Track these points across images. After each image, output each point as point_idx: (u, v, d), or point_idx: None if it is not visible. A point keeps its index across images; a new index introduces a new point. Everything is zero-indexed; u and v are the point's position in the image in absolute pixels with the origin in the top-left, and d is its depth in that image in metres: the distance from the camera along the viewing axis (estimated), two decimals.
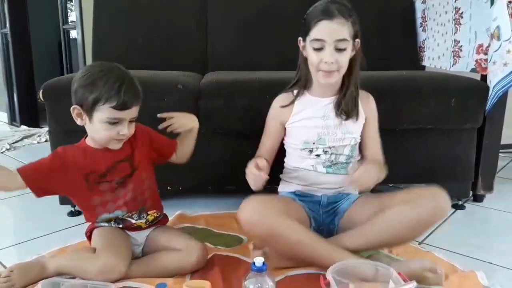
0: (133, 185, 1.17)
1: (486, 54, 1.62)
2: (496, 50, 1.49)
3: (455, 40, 1.84)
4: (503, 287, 1.11)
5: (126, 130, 1.09)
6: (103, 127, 1.08)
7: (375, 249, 1.25)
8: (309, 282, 1.11)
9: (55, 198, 1.59)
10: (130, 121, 1.11)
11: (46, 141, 3.09)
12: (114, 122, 1.07)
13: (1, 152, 2.75)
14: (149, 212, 1.21)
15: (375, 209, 1.20)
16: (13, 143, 3.02)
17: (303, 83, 1.31)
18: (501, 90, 1.50)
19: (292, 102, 1.31)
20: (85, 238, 1.25)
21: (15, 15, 3.73)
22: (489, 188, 1.73)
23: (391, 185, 1.75)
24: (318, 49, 1.20)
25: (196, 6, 2.13)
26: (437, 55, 1.99)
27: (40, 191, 1.13)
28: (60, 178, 1.12)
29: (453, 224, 1.56)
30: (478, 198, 1.77)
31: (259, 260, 0.89)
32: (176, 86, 1.52)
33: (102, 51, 2.09)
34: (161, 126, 1.24)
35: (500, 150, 1.74)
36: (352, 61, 1.25)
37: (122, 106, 1.06)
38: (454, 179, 1.71)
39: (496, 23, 1.48)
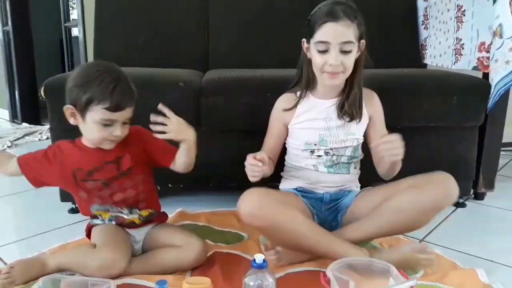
0: (122, 187, 1.16)
1: (488, 52, 1.62)
2: (498, 48, 1.49)
3: (457, 38, 1.83)
4: (504, 284, 1.11)
5: (119, 132, 1.09)
6: (96, 127, 1.08)
7: (383, 236, 1.26)
8: (310, 279, 1.11)
9: (56, 195, 1.59)
10: (124, 123, 1.11)
11: (47, 138, 3.10)
12: (107, 124, 1.07)
13: (3, 149, 2.76)
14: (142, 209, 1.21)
15: (380, 200, 1.20)
16: (15, 140, 3.03)
17: (306, 84, 1.30)
18: (503, 88, 1.49)
19: (295, 106, 1.30)
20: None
21: (17, 12, 3.73)
22: (490, 186, 1.73)
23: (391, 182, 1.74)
24: (323, 52, 1.19)
25: (197, 6, 2.13)
26: (439, 53, 1.99)
27: (35, 181, 1.19)
28: (52, 170, 1.17)
29: (453, 222, 1.56)
30: (479, 196, 1.77)
31: (259, 257, 0.89)
32: (177, 83, 1.52)
33: (103, 49, 2.09)
34: (153, 128, 1.09)
35: (502, 148, 1.74)
36: (356, 62, 1.23)
37: (115, 108, 1.05)
38: (455, 177, 1.69)
39: (499, 20, 1.48)
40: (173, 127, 1.08)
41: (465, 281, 1.11)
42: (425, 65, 2.14)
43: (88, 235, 1.23)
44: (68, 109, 1.10)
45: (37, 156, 1.19)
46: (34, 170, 1.18)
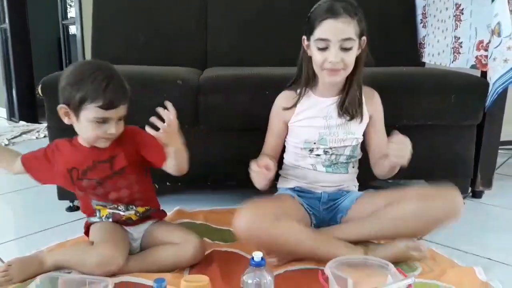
0: (116, 186, 1.16)
1: (486, 50, 1.62)
2: (497, 47, 1.49)
3: (455, 37, 1.83)
4: (501, 282, 1.11)
5: (114, 130, 1.09)
6: (90, 126, 1.07)
7: (381, 239, 1.24)
8: (308, 277, 1.11)
9: (54, 193, 1.59)
10: (119, 120, 1.11)
11: (44, 136, 3.10)
12: (102, 122, 1.07)
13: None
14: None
15: (382, 205, 1.19)
16: (12, 138, 3.02)
17: (306, 82, 1.28)
18: (501, 87, 1.50)
19: (294, 105, 1.29)
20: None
21: (15, 10, 3.72)
22: (488, 184, 1.73)
23: (390, 181, 1.75)
24: (323, 49, 1.18)
25: (196, 6, 2.12)
26: (437, 51, 1.99)
27: (40, 179, 1.23)
28: (51, 168, 1.18)
29: None
30: (477, 195, 1.77)
31: (257, 255, 0.89)
32: (175, 81, 1.52)
33: (101, 47, 2.09)
34: (149, 129, 1.02)
35: (500, 147, 1.74)
36: (357, 59, 1.22)
37: (108, 106, 1.05)
38: (453, 175, 1.71)
39: (497, 19, 1.48)
40: (168, 128, 1.01)
41: (463, 279, 1.11)
42: (424, 64, 2.14)
43: (86, 233, 1.23)
44: (61, 108, 1.10)
45: (38, 155, 1.20)
46: (37, 169, 1.20)
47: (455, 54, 1.83)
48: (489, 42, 1.56)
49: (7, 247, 1.35)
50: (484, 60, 1.64)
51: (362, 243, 1.21)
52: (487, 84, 1.55)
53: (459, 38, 1.80)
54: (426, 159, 1.64)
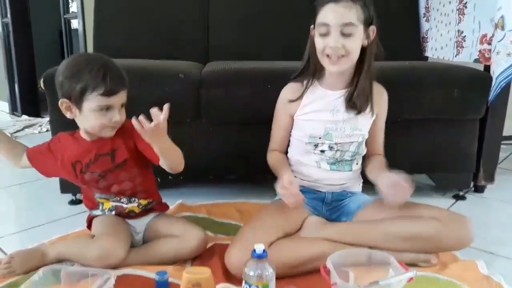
0: (118, 179, 1.16)
1: (489, 44, 1.61)
2: (500, 40, 1.48)
3: (458, 30, 1.82)
4: (503, 276, 1.11)
5: (118, 117, 1.09)
6: (94, 116, 1.08)
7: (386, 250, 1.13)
8: (310, 271, 1.10)
9: (57, 186, 1.59)
10: (121, 107, 1.11)
11: (47, 130, 3.10)
12: (105, 109, 1.07)
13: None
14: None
15: (393, 221, 1.15)
16: (14, 132, 3.03)
17: (313, 72, 1.25)
18: (504, 81, 1.49)
19: (300, 97, 1.25)
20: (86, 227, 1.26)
21: (16, 4, 3.71)
22: (490, 179, 1.73)
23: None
24: (324, 35, 1.14)
25: (198, 0, 2.11)
26: (440, 45, 1.98)
27: (45, 172, 1.24)
28: (55, 162, 1.19)
29: None
30: (479, 189, 1.77)
31: (259, 247, 0.89)
32: (177, 75, 1.52)
33: (103, 41, 2.09)
34: (134, 123, 0.97)
35: (502, 141, 1.74)
36: (365, 50, 1.18)
37: (110, 92, 1.06)
38: (456, 170, 1.71)
39: (501, 12, 1.47)
40: (154, 128, 0.96)
41: (465, 272, 1.11)
42: (426, 58, 2.13)
43: (89, 226, 1.24)
44: (63, 103, 1.10)
45: (42, 149, 1.21)
46: (42, 162, 1.21)
47: (458, 48, 1.82)
48: (493, 36, 1.55)
49: (9, 240, 1.36)
50: (488, 54, 1.63)
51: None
52: (490, 78, 1.55)
53: (463, 32, 1.79)
54: (429, 153, 1.64)
